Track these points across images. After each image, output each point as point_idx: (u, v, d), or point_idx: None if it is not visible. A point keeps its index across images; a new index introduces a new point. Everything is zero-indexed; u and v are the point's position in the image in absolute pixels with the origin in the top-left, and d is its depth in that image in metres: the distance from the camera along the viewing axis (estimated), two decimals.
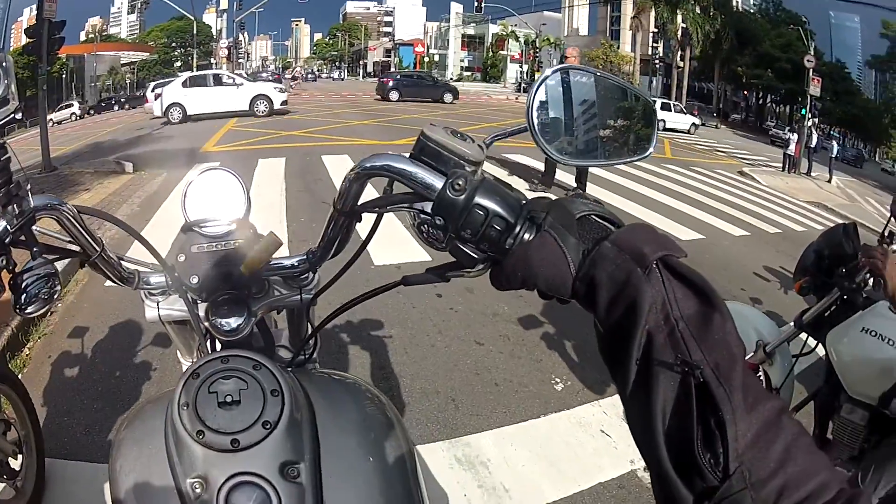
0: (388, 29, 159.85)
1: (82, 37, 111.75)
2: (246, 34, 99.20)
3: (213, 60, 54.87)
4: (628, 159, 1.29)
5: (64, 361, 4.75)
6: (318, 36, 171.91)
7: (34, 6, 18.09)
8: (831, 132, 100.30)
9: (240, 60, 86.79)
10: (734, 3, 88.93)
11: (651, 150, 1.28)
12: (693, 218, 11.89)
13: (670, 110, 46.35)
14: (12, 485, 3.02)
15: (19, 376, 3.89)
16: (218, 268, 1.17)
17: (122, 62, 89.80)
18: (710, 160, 26.39)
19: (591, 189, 12.24)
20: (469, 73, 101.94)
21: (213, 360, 0.99)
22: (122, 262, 1.21)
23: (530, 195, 0.85)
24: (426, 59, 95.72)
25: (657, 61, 78.51)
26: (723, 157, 30.25)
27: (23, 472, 3.12)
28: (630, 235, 0.72)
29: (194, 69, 61.03)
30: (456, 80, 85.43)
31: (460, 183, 0.83)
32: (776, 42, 77.85)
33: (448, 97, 41.77)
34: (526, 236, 0.79)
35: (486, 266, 0.86)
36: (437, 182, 0.88)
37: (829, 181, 30.83)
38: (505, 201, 0.83)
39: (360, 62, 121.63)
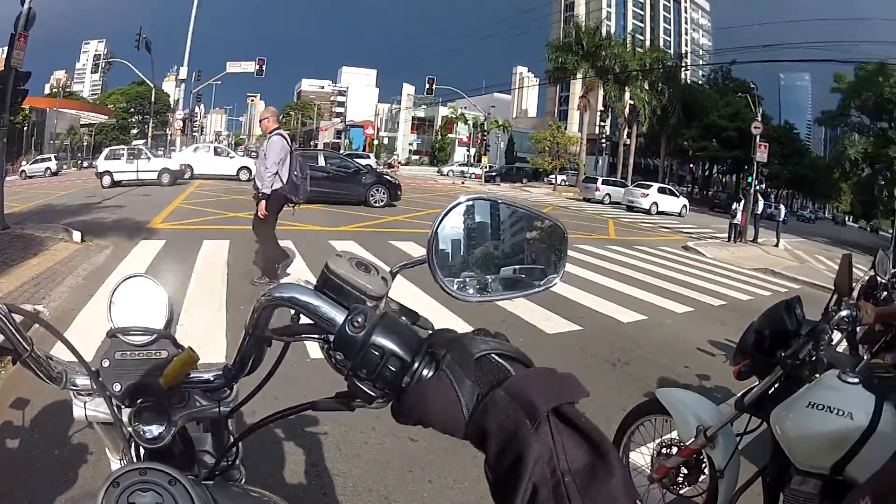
0: (341, 109, 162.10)
1: (46, 90, 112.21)
2: (202, 106, 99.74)
3: (168, 131, 55.19)
4: (535, 290, 1.30)
5: (5, 432, 4.68)
6: None
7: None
8: (778, 196, 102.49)
9: (194, 133, 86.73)
10: (682, 77, 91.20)
11: (558, 278, 1.30)
12: (635, 299, 11.72)
13: (665, 193, 46.56)
14: None
15: None
16: (140, 377, 1.21)
17: (81, 122, 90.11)
18: (653, 237, 26.56)
19: None
20: (417, 157, 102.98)
21: (132, 471, 1.01)
22: (51, 360, 1.22)
23: None
24: (375, 142, 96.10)
25: (604, 140, 79.51)
26: (667, 232, 30.43)
27: None
28: (524, 383, 0.69)
29: (149, 138, 61.28)
30: (404, 164, 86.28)
31: (359, 320, 0.85)
32: (724, 112, 79.22)
33: (378, 195, 25.32)
34: (424, 372, 0.80)
35: (387, 400, 0.87)
36: (339, 316, 0.90)
37: (777, 245, 31.13)
38: (403, 339, 0.84)
39: (312, 142, 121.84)
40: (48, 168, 51.67)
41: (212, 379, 1.25)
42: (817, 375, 2.85)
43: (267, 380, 1.15)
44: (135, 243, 12.00)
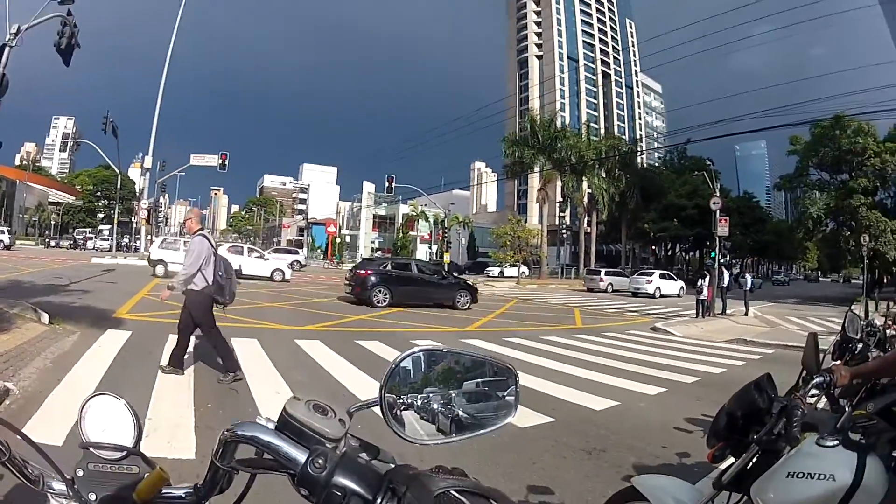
0: (303, 206, 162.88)
1: (17, 160, 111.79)
2: (167, 197, 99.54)
3: (133, 219, 55.02)
4: (489, 429, 1.35)
5: None
6: (235, 208, 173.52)
7: None
8: (743, 265, 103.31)
9: (159, 224, 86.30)
10: (638, 162, 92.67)
11: (511, 417, 1.38)
12: (607, 385, 11.54)
13: (665, 278, 49.00)
14: None
15: None
16: (115, 490, 1.24)
17: (49, 200, 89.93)
18: (621, 322, 26.45)
19: None
20: (379, 254, 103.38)
21: None
22: (27, 464, 1.25)
23: None
24: (338, 240, 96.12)
25: (564, 230, 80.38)
26: (634, 316, 30.31)
27: None
28: None
29: (115, 224, 62.04)
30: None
31: (320, 462, 0.91)
32: (682, 191, 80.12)
33: (463, 300, 27.41)
34: None
35: None
36: (301, 456, 0.95)
37: (746, 314, 31.53)
38: (363, 479, 0.90)
39: (274, 239, 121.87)
40: (0, 241, 50.97)
41: (183, 496, 1.25)
42: (800, 438, 2.79)
43: (239, 502, 1.18)
44: (102, 331, 11.94)
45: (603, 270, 53.24)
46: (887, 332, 6.75)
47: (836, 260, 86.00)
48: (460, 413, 1.33)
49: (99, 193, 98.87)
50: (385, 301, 25.10)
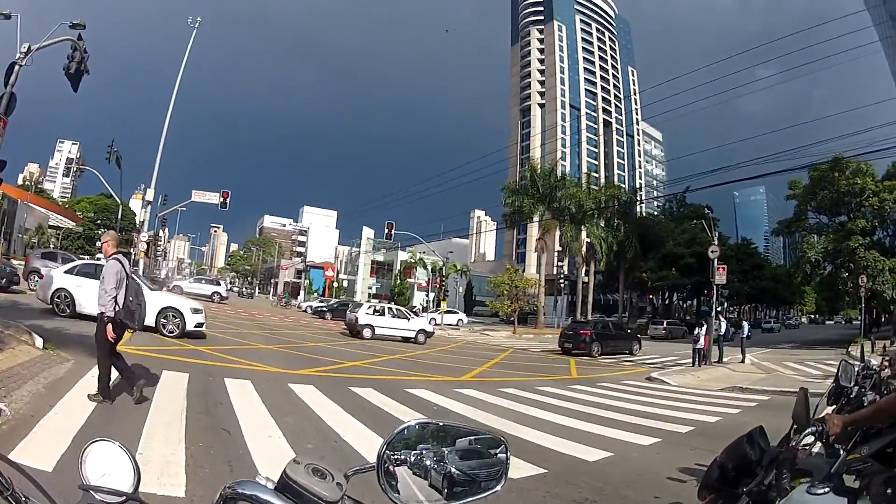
0: (302, 249, 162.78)
1: (20, 180, 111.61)
2: (167, 231, 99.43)
3: (132, 251, 55.45)
4: (479, 496, 1.38)
5: None
6: (234, 246, 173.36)
7: None
8: (740, 312, 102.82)
9: (157, 257, 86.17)
10: (637, 211, 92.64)
11: (500, 486, 1.42)
12: (600, 436, 11.44)
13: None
14: None
15: None
16: None
17: (49, 223, 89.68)
18: (617, 372, 26.35)
19: (495, 420, 11.93)
20: (377, 300, 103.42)
21: None
22: (29, 500, 1.26)
23: None
24: (335, 285, 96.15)
25: (562, 280, 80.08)
26: (630, 366, 30.19)
27: None
28: None
29: None
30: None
31: None
32: (680, 239, 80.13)
33: (636, 347, 38.27)
34: None
35: None
36: None
37: (743, 361, 31.66)
38: None
39: (272, 280, 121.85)
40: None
41: None
42: (790, 488, 2.81)
43: None
44: (94, 362, 11.56)
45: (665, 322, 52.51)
46: (883, 373, 6.75)
47: (835, 302, 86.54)
48: (453, 470, 1.36)
49: (99, 222, 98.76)
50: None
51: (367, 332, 32.90)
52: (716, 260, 33.56)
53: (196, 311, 21.22)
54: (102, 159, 49.61)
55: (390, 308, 37.84)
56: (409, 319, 36.40)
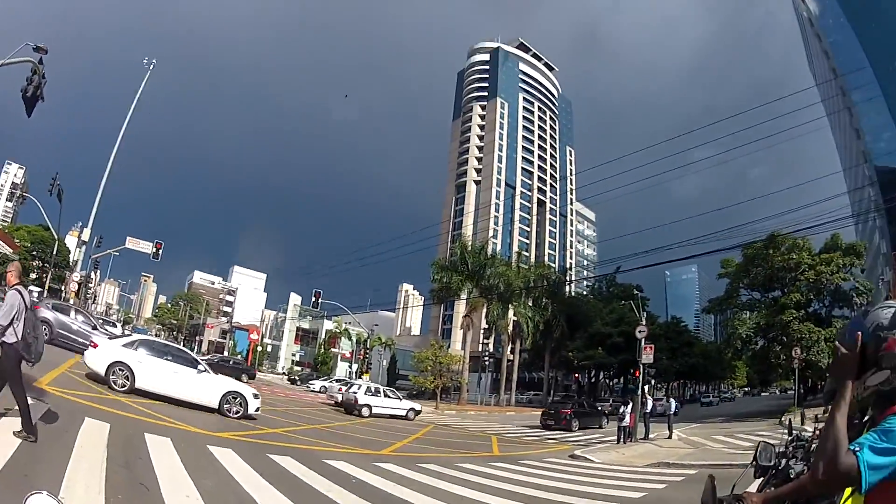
0: (228, 309, 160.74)
1: None
2: (98, 273, 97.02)
3: (63, 288, 53.88)
4: None
5: None
6: (163, 298, 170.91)
7: None
8: (668, 389, 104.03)
9: (87, 300, 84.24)
10: (566, 291, 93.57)
11: None
12: None
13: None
14: None
15: None
16: None
17: None
18: (540, 450, 26.31)
19: (415, 496, 12.00)
20: (299, 368, 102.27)
21: None
22: None
23: None
24: (259, 348, 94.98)
25: (487, 357, 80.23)
26: (554, 444, 30.10)
27: None
28: None
29: (46, 289, 61.07)
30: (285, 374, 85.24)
31: None
32: (608, 319, 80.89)
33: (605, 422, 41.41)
34: None
35: None
36: None
37: (670, 437, 31.96)
38: None
39: (197, 337, 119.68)
40: None
41: None
42: None
43: None
44: (12, 406, 11.27)
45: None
46: (814, 444, 6.82)
47: (767, 374, 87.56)
48: None
49: (35, 253, 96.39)
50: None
51: (365, 411, 35.50)
52: (643, 340, 34.02)
53: (256, 396, 21.62)
54: (45, 189, 49.15)
55: (383, 389, 40.52)
56: (400, 399, 40.17)
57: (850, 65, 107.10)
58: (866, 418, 2.91)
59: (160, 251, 51.03)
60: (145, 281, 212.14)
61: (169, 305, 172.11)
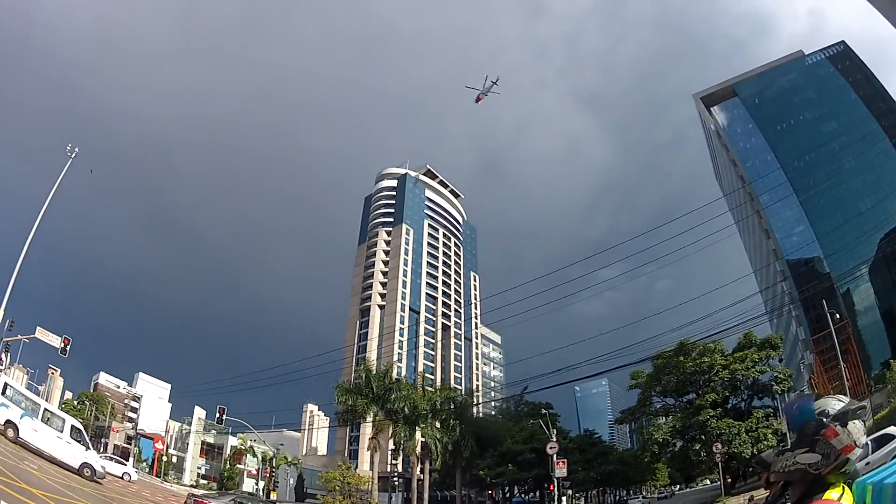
0: (133, 415, 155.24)
1: None
2: (8, 357, 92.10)
3: None
4: None
5: None
6: (69, 394, 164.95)
7: None
8: (588, 498, 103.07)
9: None
10: (473, 412, 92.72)
11: None
12: None
13: None
14: None
15: None
16: None
17: None
18: None
19: None
20: (206, 482, 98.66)
21: None
22: None
23: None
24: (164, 458, 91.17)
25: (396, 477, 78.76)
26: None
27: None
28: None
29: None
30: (192, 486, 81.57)
31: None
32: (518, 437, 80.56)
33: None
34: None
35: None
36: None
37: None
38: None
39: (102, 440, 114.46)
40: None
41: None
42: None
43: None
44: None
45: None
46: None
47: (690, 471, 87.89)
48: None
49: None
50: None
51: None
52: (555, 455, 33.80)
53: None
54: None
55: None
56: None
57: (758, 168, 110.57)
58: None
59: (68, 347, 50.41)
60: (52, 373, 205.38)
61: (75, 403, 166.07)
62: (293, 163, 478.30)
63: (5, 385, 32.09)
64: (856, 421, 3.12)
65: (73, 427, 33.65)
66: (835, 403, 3.06)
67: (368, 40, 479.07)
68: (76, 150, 48.80)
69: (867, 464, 17.77)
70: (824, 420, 2.96)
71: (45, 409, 34.19)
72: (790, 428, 3.49)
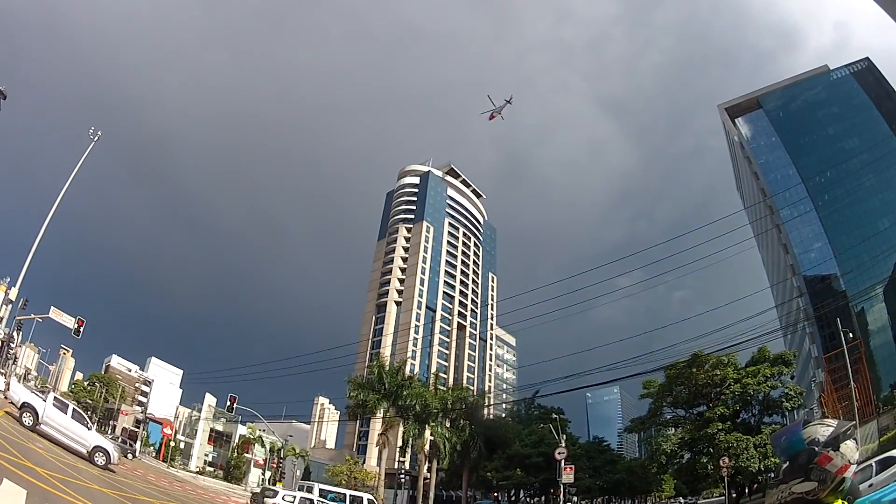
0: (144, 399, 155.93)
1: None
2: (20, 335, 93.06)
3: None
4: None
5: None
6: (80, 375, 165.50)
7: None
8: None
9: (7, 360, 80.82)
10: (484, 413, 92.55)
11: None
12: None
13: None
14: None
15: None
16: None
17: None
18: None
19: None
20: (212, 469, 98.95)
21: None
22: None
23: None
24: (172, 444, 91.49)
25: (403, 474, 78.64)
26: None
27: None
28: None
29: None
30: (197, 472, 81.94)
31: None
32: (527, 440, 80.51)
33: None
34: None
35: None
36: None
37: None
38: None
39: (111, 422, 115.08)
40: None
41: None
42: None
43: None
44: None
45: None
46: None
47: (695, 483, 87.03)
48: None
49: None
50: None
51: None
52: (563, 461, 33.86)
53: None
54: None
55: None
56: None
57: (780, 182, 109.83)
58: None
59: (82, 328, 49.65)
60: (64, 353, 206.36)
61: (85, 384, 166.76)
62: (314, 159, 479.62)
63: (27, 371, 32.51)
64: (847, 441, 3.42)
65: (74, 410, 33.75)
66: (823, 430, 3.25)
67: (393, 40, 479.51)
68: (98, 133, 48.96)
69: (870, 485, 17.74)
70: (815, 448, 3.15)
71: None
72: (779, 457, 3.61)
